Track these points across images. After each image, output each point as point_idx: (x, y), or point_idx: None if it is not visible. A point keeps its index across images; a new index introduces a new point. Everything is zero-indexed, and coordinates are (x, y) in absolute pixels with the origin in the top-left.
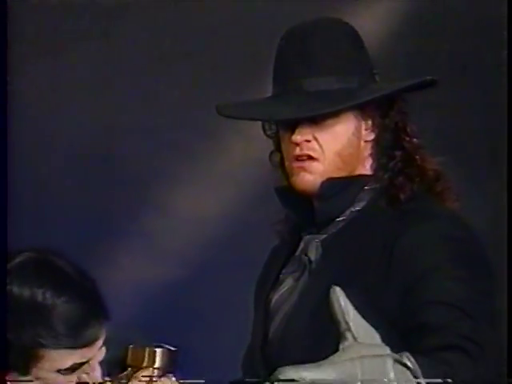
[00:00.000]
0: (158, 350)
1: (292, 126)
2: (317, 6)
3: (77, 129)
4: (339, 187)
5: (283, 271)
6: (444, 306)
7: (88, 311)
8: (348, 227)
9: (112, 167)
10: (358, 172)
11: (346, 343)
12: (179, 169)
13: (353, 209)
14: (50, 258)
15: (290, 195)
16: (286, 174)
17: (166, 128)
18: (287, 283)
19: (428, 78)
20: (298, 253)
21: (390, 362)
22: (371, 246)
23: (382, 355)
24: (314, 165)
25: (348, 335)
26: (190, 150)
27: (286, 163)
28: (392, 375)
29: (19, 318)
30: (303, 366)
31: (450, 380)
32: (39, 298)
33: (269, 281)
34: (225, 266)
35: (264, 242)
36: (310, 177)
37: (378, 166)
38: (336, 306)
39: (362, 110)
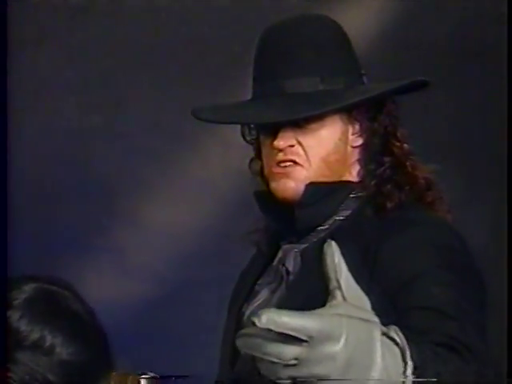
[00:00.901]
0: (143, 380)
1: (274, 130)
2: (302, 1)
3: (52, 130)
4: (322, 193)
5: (259, 282)
6: (429, 310)
7: (93, 365)
8: (330, 237)
9: (77, 174)
10: (344, 179)
11: (334, 301)
12: (151, 177)
13: (336, 217)
14: (61, 294)
15: (270, 201)
16: (267, 182)
17: (136, 132)
18: (262, 295)
19: (419, 78)
20: (275, 263)
21: (377, 332)
22: (354, 256)
23: (369, 321)
24: (298, 170)
25: (337, 294)
26: (163, 156)
27: (267, 170)
28: (378, 346)
29: (19, 356)
30: (287, 311)
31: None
32: (47, 343)
33: (243, 291)
34: (202, 284)
35: (245, 256)
36: (292, 183)
37: (366, 173)
38: (329, 261)
39: (349, 113)
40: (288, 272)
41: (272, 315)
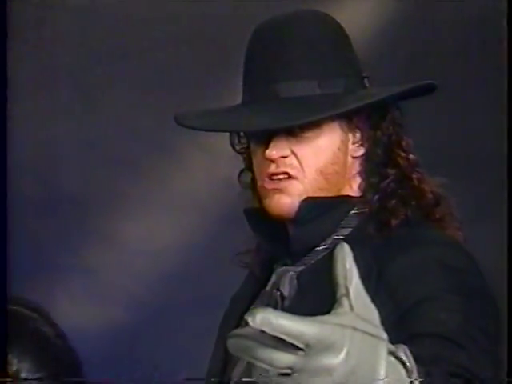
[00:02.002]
0: None
1: (266, 139)
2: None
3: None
4: (320, 210)
5: (251, 308)
6: (437, 338)
7: None
8: (329, 258)
9: (44, 187)
10: (343, 193)
11: (340, 310)
12: (128, 189)
13: (336, 236)
14: (29, 316)
15: (262, 219)
16: (259, 197)
17: (111, 140)
18: None
19: (426, 82)
20: (268, 287)
21: (383, 350)
22: None
23: (376, 336)
24: (293, 184)
25: (344, 302)
26: (141, 167)
27: (259, 183)
28: (383, 365)
29: None
30: (285, 313)
31: None
32: (13, 367)
33: (234, 318)
34: (185, 309)
35: (234, 278)
36: (287, 199)
37: (368, 187)
38: (339, 265)
39: (350, 120)
40: (283, 297)
41: (268, 315)
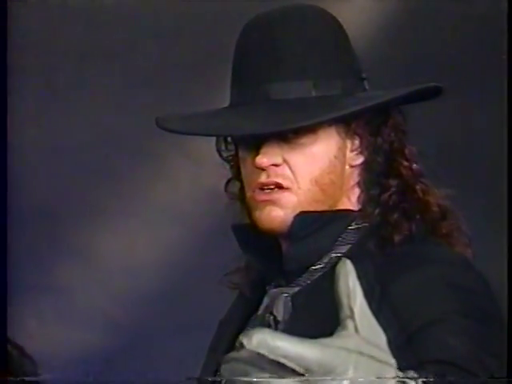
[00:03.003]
0: None
1: (256, 145)
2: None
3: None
4: (316, 225)
5: (241, 334)
6: (445, 365)
7: None
8: (327, 278)
9: (12, 198)
10: (341, 206)
11: (344, 332)
12: (105, 201)
13: (333, 254)
14: None
15: (252, 235)
16: (248, 209)
17: (86, 146)
18: None
19: (432, 84)
20: (260, 311)
21: (391, 377)
22: None
23: (383, 362)
24: (285, 196)
25: (349, 324)
26: (120, 176)
27: (248, 194)
28: None
29: None
30: (284, 334)
31: None
32: None
33: (222, 345)
34: (167, 333)
35: (218, 299)
36: (279, 212)
37: (368, 199)
38: (342, 284)
39: (348, 125)
40: (277, 321)
41: (265, 336)
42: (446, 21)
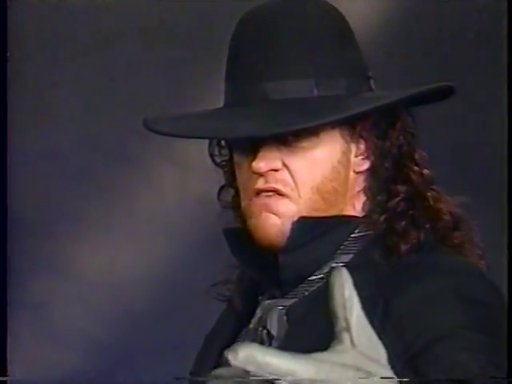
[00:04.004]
0: None
1: (252, 148)
2: None
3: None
4: (315, 232)
5: (227, 349)
6: (456, 383)
7: None
8: (326, 289)
9: None
10: (345, 213)
11: (340, 347)
12: (86, 211)
13: (334, 263)
14: None
15: (246, 242)
16: (243, 218)
17: (66, 151)
18: None
19: (444, 84)
20: (252, 324)
21: None
22: None
23: (384, 379)
24: (284, 203)
25: (345, 337)
26: (101, 183)
27: (244, 203)
28: None
29: None
30: (274, 349)
31: None
32: None
33: (209, 361)
34: (153, 352)
35: (211, 315)
36: (277, 220)
37: (374, 206)
38: (337, 294)
39: (353, 127)
40: (270, 336)
41: (252, 352)
42: (445, 21)
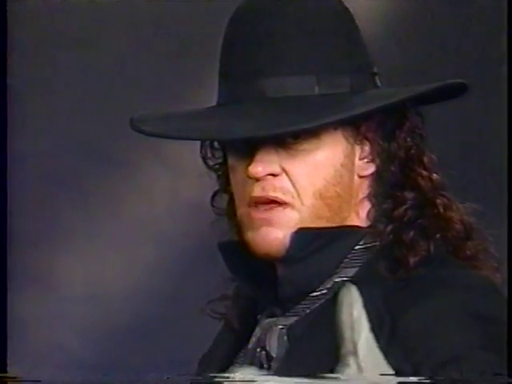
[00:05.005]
0: None
1: (249, 151)
2: None
3: None
4: (317, 244)
5: (225, 374)
6: None
7: None
8: (329, 306)
9: None
10: (348, 222)
11: (345, 371)
12: (69, 218)
13: (338, 278)
14: None
15: (242, 255)
16: (239, 227)
17: (46, 154)
18: None
19: (457, 81)
20: (251, 345)
21: None
22: None
23: None
24: (285, 214)
25: (351, 361)
26: (86, 188)
27: (240, 210)
28: None
29: None
30: (273, 376)
31: None
32: None
33: None
34: (139, 374)
35: (200, 332)
36: (279, 233)
37: (379, 214)
38: (345, 313)
39: (356, 128)
40: (270, 358)
41: (250, 377)
42: (445, 21)
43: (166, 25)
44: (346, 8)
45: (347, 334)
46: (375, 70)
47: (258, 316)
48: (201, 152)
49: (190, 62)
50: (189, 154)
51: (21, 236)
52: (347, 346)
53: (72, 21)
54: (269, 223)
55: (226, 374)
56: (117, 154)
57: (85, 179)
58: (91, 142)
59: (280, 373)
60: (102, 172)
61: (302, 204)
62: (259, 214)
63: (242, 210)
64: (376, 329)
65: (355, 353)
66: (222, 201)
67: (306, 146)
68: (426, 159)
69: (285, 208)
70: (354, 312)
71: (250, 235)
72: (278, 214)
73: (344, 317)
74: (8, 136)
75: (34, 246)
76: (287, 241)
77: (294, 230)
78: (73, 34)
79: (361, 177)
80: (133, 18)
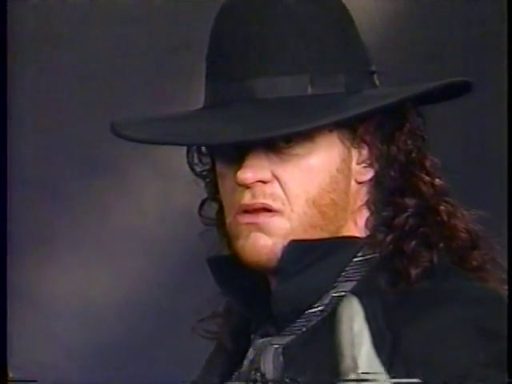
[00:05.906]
0: None
1: (238, 156)
2: None
3: None
4: (312, 257)
5: None
6: None
7: None
8: (327, 324)
9: None
10: (345, 232)
11: None
12: (53, 226)
13: (335, 293)
14: None
15: (233, 270)
16: (229, 237)
17: (32, 159)
18: None
19: (461, 79)
20: (245, 367)
21: None
22: None
23: None
24: (275, 221)
25: (351, 377)
26: (71, 194)
27: (229, 219)
28: None
29: None
30: None
31: None
32: None
33: None
34: None
35: (192, 350)
36: (268, 240)
37: (378, 223)
38: (345, 327)
39: (353, 130)
40: (265, 380)
41: None
42: (445, 21)
43: (165, 25)
44: (342, 3)
45: (347, 349)
46: (373, 68)
47: (252, 336)
48: (187, 158)
49: (176, 63)
50: (181, 158)
51: (2, 248)
52: (347, 362)
53: (72, 21)
54: (257, 229)
55: None
56: (104, 160)
57: (71, 186)
58: (77, 146)
59: None
60: (89, 178)
61: (293, 212)
62: (248, 219)
63: (231, 219)
64: (377, 345)
65: (355, 370)
66: (211, 210)
67: (298, 150)
68: (427, 163)
69: (275, 215)
70: (355, 326)
71: (239, 244)
72: (268, 219)
73: (344, 331)
74: (8, 136)
75: (16, 257)
76: (278, 250)
77: (284, 238)
78: (73, 34)
79: (358, 182)
80: (133, 17)
